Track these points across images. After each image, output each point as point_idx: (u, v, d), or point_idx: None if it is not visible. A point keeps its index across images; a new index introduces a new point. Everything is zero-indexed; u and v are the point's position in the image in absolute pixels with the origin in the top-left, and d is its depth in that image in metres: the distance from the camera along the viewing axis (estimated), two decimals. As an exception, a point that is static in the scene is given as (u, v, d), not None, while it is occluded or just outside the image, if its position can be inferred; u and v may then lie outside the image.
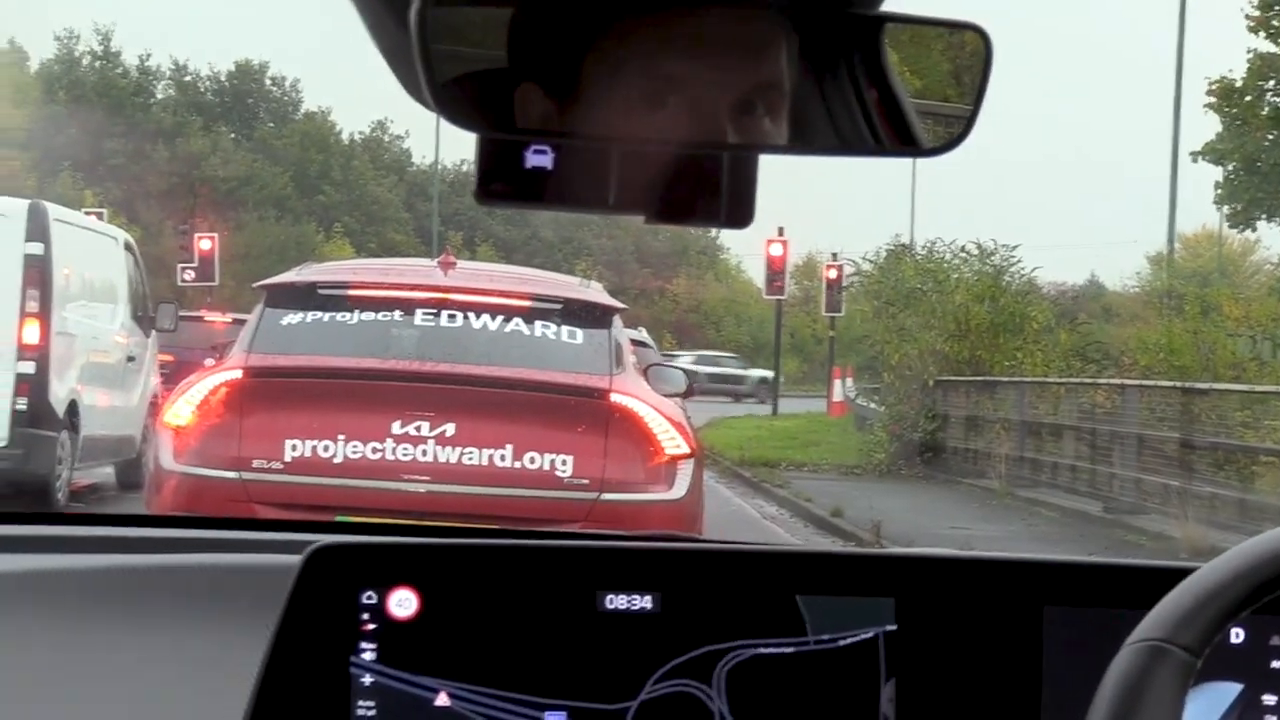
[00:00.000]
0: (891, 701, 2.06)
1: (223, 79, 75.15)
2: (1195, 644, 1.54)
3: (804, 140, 1.62)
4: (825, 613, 2.05)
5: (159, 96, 71.27)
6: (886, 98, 1.65)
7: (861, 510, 18.35)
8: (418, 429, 7.86)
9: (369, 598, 1.97)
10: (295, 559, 1.98)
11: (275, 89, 76.32)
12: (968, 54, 1.67)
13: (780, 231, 40.04)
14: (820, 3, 1.60)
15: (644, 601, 2.02)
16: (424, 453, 7.85)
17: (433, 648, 1.98)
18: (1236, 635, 2.09)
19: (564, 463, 7.88)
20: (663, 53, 1.52)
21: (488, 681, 1.98)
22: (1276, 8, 32.82)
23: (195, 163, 63.74)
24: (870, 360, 37.14)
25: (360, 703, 1.96)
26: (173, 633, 2.17)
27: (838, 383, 43.27)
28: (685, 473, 8.05)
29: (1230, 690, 2.10)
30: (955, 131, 1.66)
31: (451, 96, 1.51)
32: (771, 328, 48.49)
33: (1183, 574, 1.62)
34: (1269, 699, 2.10)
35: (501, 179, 1.57)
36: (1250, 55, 33.71)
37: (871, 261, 35.67)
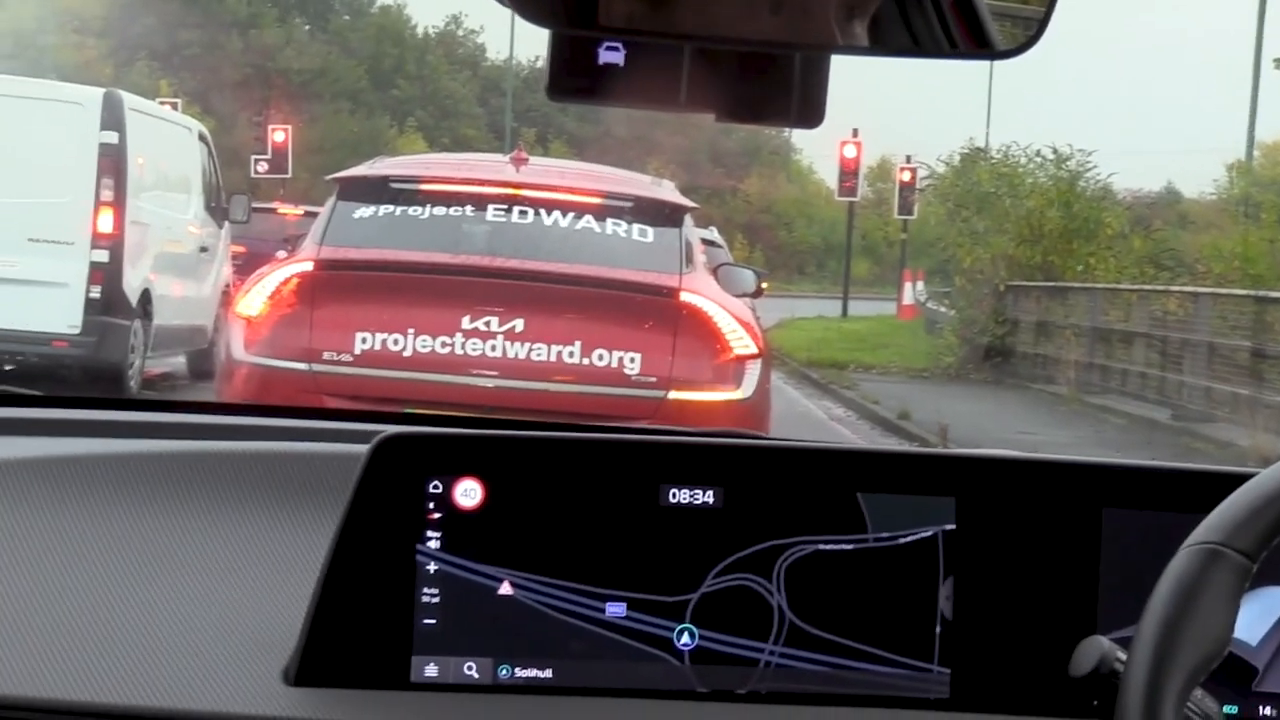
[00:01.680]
0: (949, 599, 2.08)
1: (298, -30, 75.09)
2: (1252, 548, 1.55)
3: (879, 41, 1.62)
4: (886, 511, 2.07)
5: (234, -13, 71.27)
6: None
7: (929, 413, 18.32)
8: (487, 324, 7.89)
9: (435, 487, 2.00)
10: (363, 448, 2.01)
11: (351, -19, 76.22)
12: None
13: (854, 133, 39.88)
14: None
15: (706, 496, 2.04)
16: (493, 348, 7.88)
17: (497, 537, 2.01)
18: (1295, 541, 2.10)
19: (632, 360, 7.90)
20: None
21: (550, 571, 2.01)
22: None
23: (270, 54, 63.76)
24: (941, 264, 36.93)
25: (425, 590, 2.00)
26: (242, 517, 2.21)
27: (908, 286, 43.08)
28: (753, 373, 8.06)
29: (1287, 596, 2.11)
30: (1029, 34, 1.66)
31: None
32: (843, 229, 48.30)
33: (1242, 479, 1.63)
34: (1325, 605, 2.12)
35: (574, 75, 1.58)
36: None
37: (946, 164, 35.43)
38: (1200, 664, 1.52)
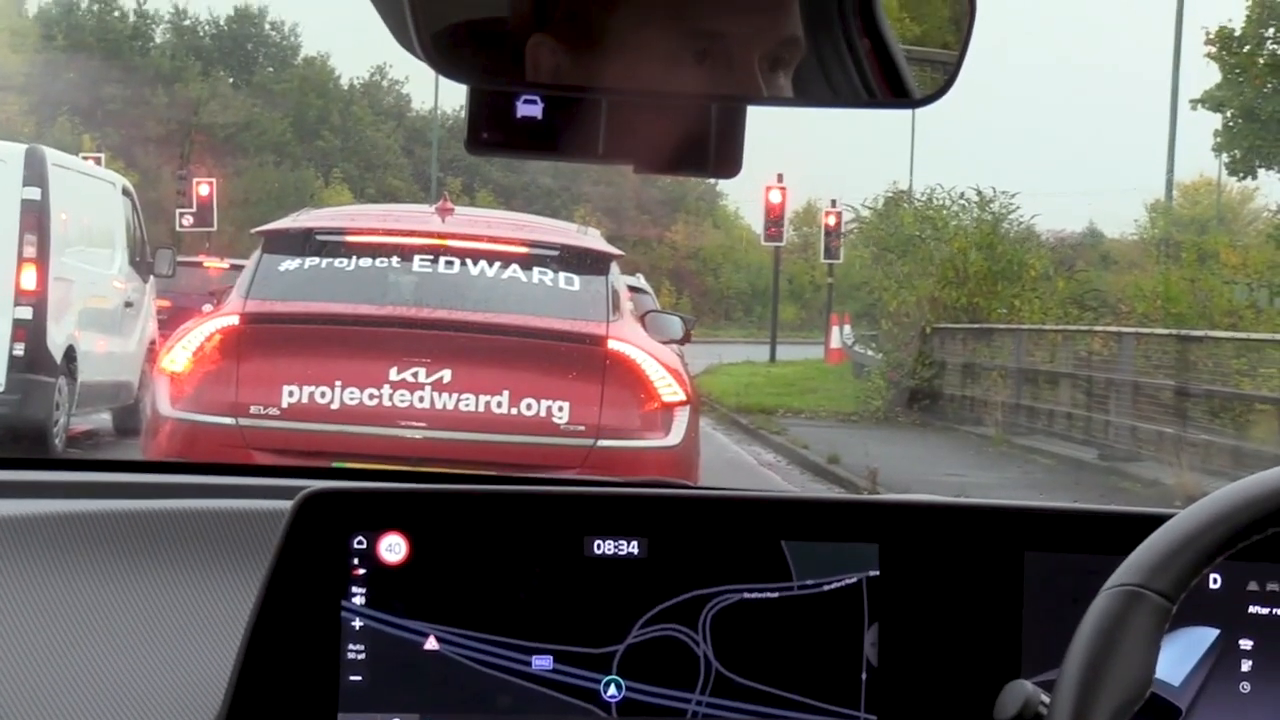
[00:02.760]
0: (874, 646, 2.09)
1: (221, 23, 74.83)
2: (1171, 589, 1.56)
3: (799, 92, 1.63)
4: (810, 558, 2.07)
5: (157, 41, 70.96)
6: (879, 48, 1.66)
7: (858, 457, 18.35)
8: (414, 375, 7.88)
9: (359, 542, 2.00)
10: (288, 504, 2.01)
11: (274, 33, 75.98)
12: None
13: (779, 178, 39.94)
14: None
15: (631, 547, 2.04)
16: (421, 399, 7.86)
17: (422, 592, 2.00)
18: (1214, 580, 2.12)
19: (560, 409, 7.90)
20: (694, 8, 1.53)
21: (476, 625, 2.01)
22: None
23: (194, 108, 63.45)
24: (868, 307, 37.04)
25: (350, 646, 1.99)
26: (168, 575, 2.19)
27: (835, 330, 43.16)
28: (681, 419, 8.07)
29: (1207, 635, 2.13)
30: (944, 79, 1.67)
31: (443, 47, 1.52)
32: (769, 275, 48.37)
33: (1161, 520, 1.64)
34: (1245, 643, 2.13)
35: (493, 128, 1.59)
36: (1250, 3, 33.58)
37: (870, 208, 35.60)
38: (1123, 706, 1.52)
